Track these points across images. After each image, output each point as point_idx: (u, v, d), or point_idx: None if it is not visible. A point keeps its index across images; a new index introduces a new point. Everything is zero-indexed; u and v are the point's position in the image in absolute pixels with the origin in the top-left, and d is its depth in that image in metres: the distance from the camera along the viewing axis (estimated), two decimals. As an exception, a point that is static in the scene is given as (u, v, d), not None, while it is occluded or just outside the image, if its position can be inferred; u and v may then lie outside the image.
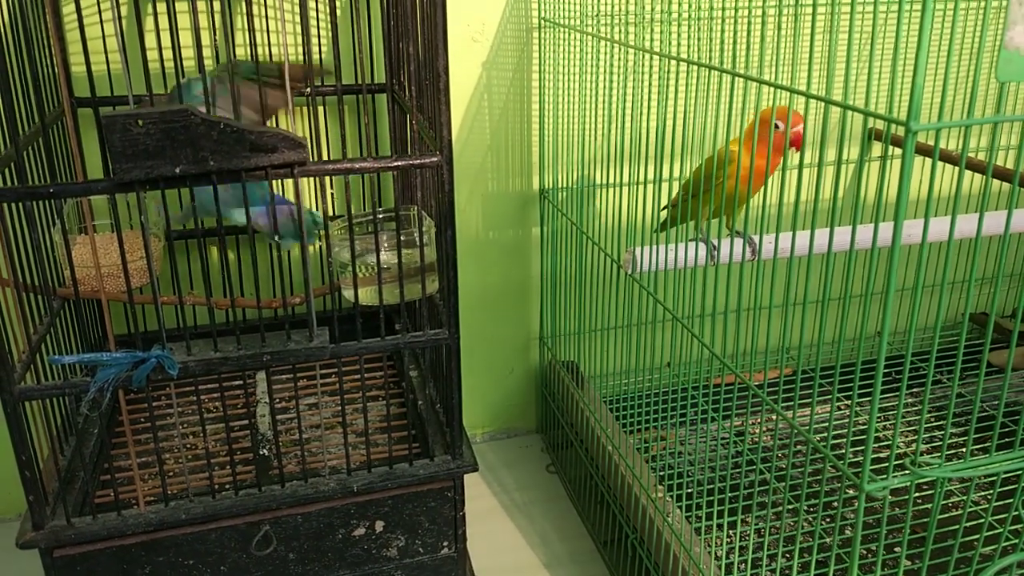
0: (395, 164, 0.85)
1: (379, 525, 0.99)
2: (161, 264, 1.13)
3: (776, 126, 0.94)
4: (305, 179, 1.23)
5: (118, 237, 0.81)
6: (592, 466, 1.27)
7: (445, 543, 1.02)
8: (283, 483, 0.95)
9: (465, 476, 1.00)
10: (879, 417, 1.38)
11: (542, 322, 1.50)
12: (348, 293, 0.96)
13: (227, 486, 0.96)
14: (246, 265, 1.25)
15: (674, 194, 1.12)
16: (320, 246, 1.31)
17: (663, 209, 1.14)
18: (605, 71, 1.12)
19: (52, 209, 1.05)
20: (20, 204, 0.89)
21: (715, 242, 0.99)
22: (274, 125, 1.04)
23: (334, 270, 0.99)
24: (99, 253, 0.96)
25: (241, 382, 1.25)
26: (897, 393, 1.41)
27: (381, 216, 1.01)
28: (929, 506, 1.20)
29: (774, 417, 0.83)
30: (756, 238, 0.99)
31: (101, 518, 0.89)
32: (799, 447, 1.28)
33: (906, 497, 1.17)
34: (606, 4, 1.12)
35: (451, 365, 0.96)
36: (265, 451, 1.07)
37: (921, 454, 1.25)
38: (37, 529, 0.87)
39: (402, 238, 0.90)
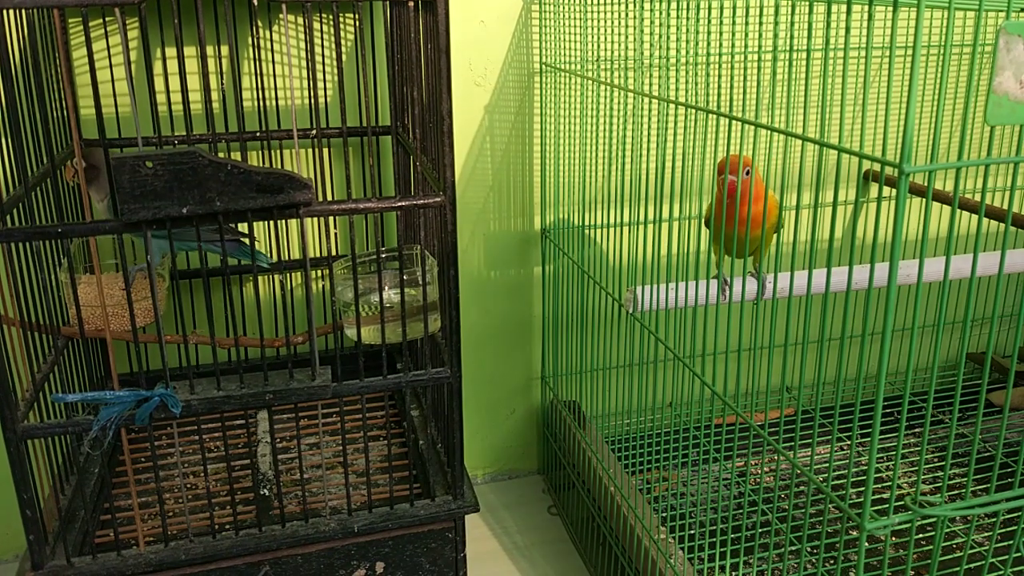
0: (399, 204, 0.87)
1: (380, 566, 0.98)
2: (165, 304, 1.14)
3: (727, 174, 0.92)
4: (310, 219, 1.24)
5: (124, 277, 0.82)
6: (594, 507, 1.26)
7: (446, 584, 1.02)
8: (283, 523, 0.94)
9: (466, 517, 1.00)
10: (880, 457, 1.37)
11: (544, 361, 1.50)
12: (351, 332, 0.97)
13: (227, 526, 0.95)
14: (250, 304, 1.26)
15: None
16: (324, 285, 1.32)
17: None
18: (605, 114, 1.14)
19: (59, 248, 1.06)
20: (28, 243, 0.90)
21: (727, 278, 0.99)
22: (280, 167, 1.05)
23: (337, 309, 1.00)
24: (104, 292, 0.97)
25: (243, 421, 1.26)
26: (897, 433, 1.41)
27: (384, 256, 1.02)
28: (931, 547, 1.19)
29: (776, 457, 0.83)
30: (770, 277, 0.99)
31: (101, 558, 0.88)
32: (801, 487, 1.27)
33: (907, 538, 1.17)
34: (605, 49, 1.14)
35: (453, 404, 0.96)
36: (266, 491, 1.07)
37: (922, 493, 1.24)
38: (36, 569, 0.86)
39: (405, 277, 0.91)
